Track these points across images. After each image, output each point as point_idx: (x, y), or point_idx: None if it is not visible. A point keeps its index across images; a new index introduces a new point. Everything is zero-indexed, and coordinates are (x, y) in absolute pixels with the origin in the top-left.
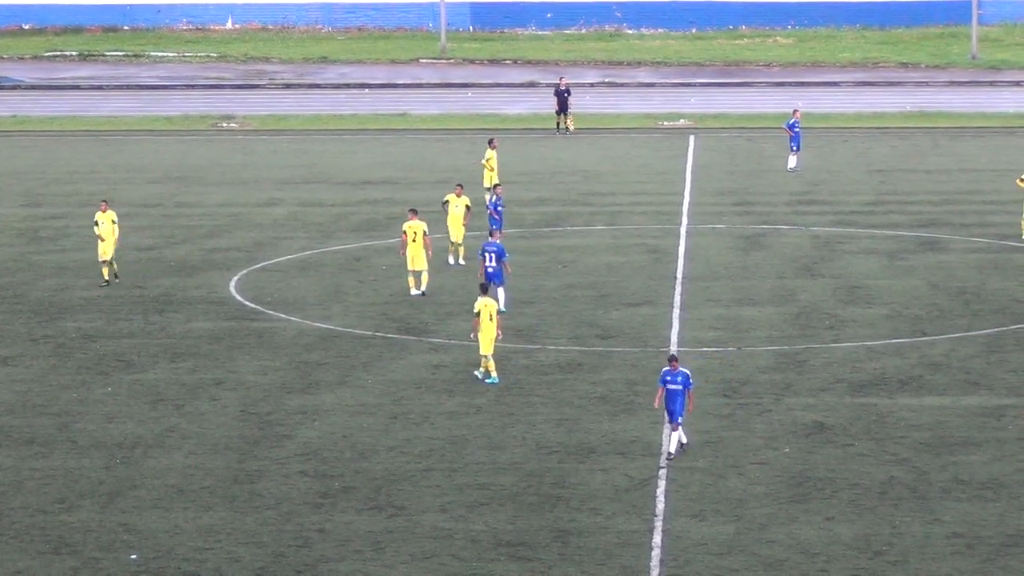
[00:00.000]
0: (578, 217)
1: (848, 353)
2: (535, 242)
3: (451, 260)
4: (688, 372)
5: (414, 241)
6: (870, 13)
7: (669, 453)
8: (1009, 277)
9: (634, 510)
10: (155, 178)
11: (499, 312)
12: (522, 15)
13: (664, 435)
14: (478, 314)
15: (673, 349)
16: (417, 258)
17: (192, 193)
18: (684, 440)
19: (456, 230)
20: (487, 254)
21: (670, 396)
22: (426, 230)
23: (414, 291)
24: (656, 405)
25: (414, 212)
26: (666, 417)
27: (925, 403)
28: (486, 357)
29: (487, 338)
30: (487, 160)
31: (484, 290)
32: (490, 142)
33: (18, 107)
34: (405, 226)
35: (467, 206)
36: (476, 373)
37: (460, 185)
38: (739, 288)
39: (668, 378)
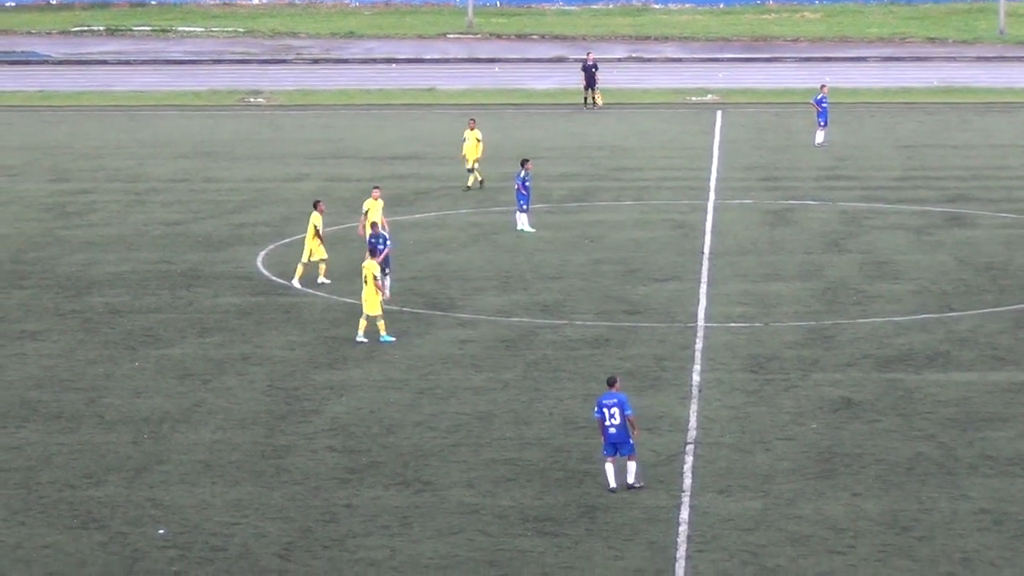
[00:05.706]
0: (606, 192)
1: (875, 328)
2: (562, 217)
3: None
4: (625, 396)
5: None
6: None
7: (630, 484)
8: None
9: (661, 486)
10: (182, 153)
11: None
12: None
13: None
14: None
15: (700, 324)
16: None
17: (219, 168)
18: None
19: (313, 246)
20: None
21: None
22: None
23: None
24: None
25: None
26: (609, 453)
27: (952, 379)
28: (368, 317)
29: (365, 299)
30: (464, 141)
31: (371, 254)
32: (470, 123)
33: (45, 82)
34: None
35: (315, 226)
36: (361, 339)
37: (318, 200)
38: (766, 263)
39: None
